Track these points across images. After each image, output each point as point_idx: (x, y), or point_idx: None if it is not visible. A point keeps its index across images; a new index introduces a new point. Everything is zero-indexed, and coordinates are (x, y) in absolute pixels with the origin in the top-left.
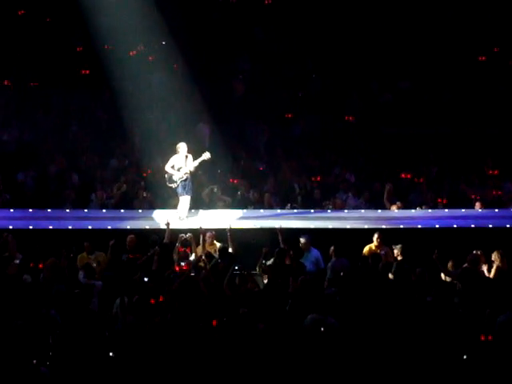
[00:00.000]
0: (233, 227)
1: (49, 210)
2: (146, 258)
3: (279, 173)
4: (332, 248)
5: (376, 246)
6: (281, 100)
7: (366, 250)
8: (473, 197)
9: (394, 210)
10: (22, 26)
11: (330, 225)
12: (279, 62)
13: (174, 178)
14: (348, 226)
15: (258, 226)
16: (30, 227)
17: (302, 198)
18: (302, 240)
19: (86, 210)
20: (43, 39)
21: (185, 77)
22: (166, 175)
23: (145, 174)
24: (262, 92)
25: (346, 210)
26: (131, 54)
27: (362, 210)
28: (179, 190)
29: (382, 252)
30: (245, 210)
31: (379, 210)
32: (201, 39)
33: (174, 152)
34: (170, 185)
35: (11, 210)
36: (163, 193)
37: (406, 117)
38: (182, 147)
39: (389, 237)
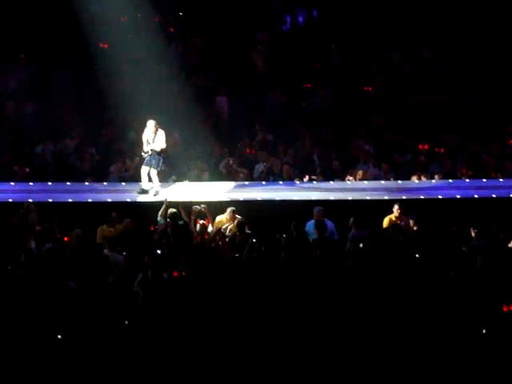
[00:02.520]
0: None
1: (68, 183)
2: (161, 232)
3: (298, 144)
4: (351, 219)
5: (396, 217)
6: (300, 71)
7: (386, 221)
8: (493, 167)
9: (415, 181)
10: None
11: (349, 196)
12: (298, 33)
13: (144, 149)
14: (368, 198)
15: (278, 199)
16: (50, 200)
17: (322, 169)
18: (316, 211)
19: (105, 183)
20: (63, 12)
21: (203, 49)
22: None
23: (170, 144)
24: (280, 63)
25: (365, 182)
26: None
27: (382, 181)
28: (144, 160)
29: (403, 223)
30: (264, 182)
31: (399, 181)
32: (218, 11)
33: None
34: (143, 154)
35: (30, 184)
36: (181, 166)
37: (426, 86)
38: (149, 125)
39: (409, 207)
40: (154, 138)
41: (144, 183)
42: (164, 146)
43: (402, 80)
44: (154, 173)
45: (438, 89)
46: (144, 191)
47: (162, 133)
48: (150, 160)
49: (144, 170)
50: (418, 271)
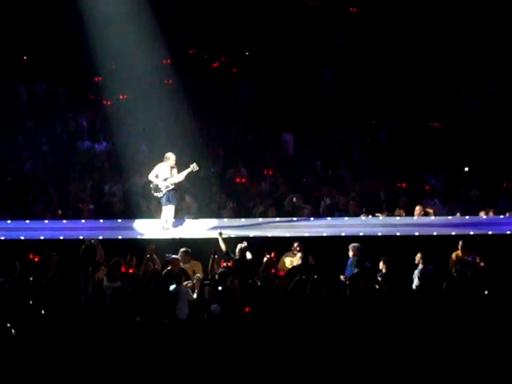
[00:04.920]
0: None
1: (136, 221)
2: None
3: (364, 180)
4: (419, 255)
5: (463, 253)
6: (366, 107)
7: (453, 256)
8: None
9: (482, 216)
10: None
11: (416, 232)
12: (363, 69)
13: (161, 187)
14: (434, 233)
15: (343, 234)
16: (119, 237)
17: (388, 205)
18: (351, 248)
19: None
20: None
21: (268, 86)
22: (151, 184)
23: (237, 180)
24: (346, 99)
25: (432, 217)
26: (214, 65)
27: (449, 217)
28: (163, 199)
29: (469, 258)
30: (329, 218)
31: (467, 216)
32: (284, 49)
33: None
34: (156, 194)
35: (101, 221)
36: (246, 202)
37: (494, 121)
38: (172, 158)
39: (477, 243)
40: (171, 172)
41: (169, 222)
42: (179, 179)
43: (468, 115)
44: (171, 209)
45: (506, 123)
46: (167, 229)
47: (175, 167)
48: (169, 198)
49: (170, 209)
50: (487, 308)
